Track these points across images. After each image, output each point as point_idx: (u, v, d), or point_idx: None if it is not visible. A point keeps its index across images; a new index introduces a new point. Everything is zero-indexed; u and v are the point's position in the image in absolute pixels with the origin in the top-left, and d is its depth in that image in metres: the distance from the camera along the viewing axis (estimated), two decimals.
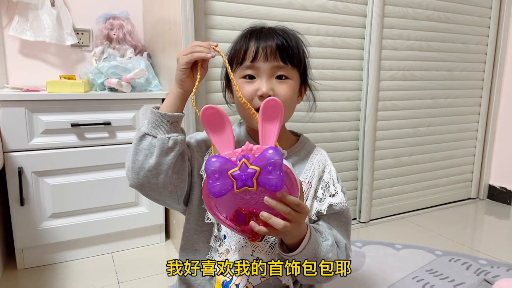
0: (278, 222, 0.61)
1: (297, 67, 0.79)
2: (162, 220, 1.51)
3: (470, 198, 2.17)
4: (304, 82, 0.84)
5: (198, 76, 0.72)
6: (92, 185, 1.36)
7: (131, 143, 0.74)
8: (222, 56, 0.72)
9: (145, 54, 1.59)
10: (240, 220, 0.64)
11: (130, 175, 0.74)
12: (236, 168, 0.58)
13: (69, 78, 1.36)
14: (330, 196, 0.79)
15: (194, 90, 0.73)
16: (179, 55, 0.72)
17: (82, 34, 1.61)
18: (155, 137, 0.71)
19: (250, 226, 0.62)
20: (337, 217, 0.81)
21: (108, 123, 1.34)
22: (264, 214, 0.61)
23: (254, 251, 0.77)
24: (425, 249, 1.53)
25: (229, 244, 0.78)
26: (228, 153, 0.62)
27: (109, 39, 1.57)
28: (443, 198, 2.06)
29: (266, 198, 0.60)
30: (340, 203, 0.79)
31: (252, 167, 0.57)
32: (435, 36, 1.83)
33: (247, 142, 0.61)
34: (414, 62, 1.80)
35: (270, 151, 0.57)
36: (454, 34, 1.89)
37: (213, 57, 0.71)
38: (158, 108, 0.74)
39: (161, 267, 1.35)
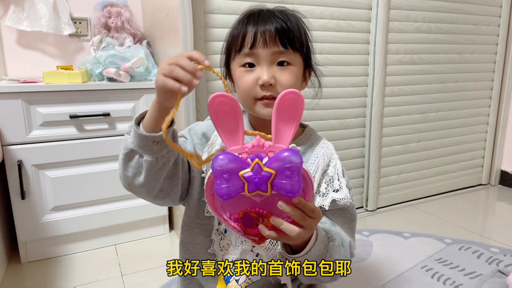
0: (292, 229, 0.55)
1: (299, 51, 0.74)
2: (165, 211, 1.49)
3: (481, 184, 2.12)
4: (308, 67, 0.80)
5: (173, 111, 0.57)
6: (93, 177, 1.34)
7: (121, 148, 0.67)
8: (215, 72, 0.61)
9: (144, 42, 1.55)
10: (248, 223, 0.57)
11: (122, 183, 0.70)
12: (249, 169, 0.51)
13: (66, 69, 1.33)
14: (334, 191, 0.75)
15: (167, 120, 0.56)
16: (161, 69, 0.58)
17: (80, 23, 1.57)
18: (142, 156, 0.63)
19: (257, 229, 0.56)
20: (341, 213, 0.77)
21: (107, 114, 1.31)
22: (275, 220, 0.55)
23: (254, 246, 0.74)
24: (434, 237, 1.49)
25: (229, 239, 0.75)
26: (236, 149, 0.55)
27: (107, 27, 1.53)
28: (453, 184, 2.02)
29: (280, 203, 0.54)
30: (344, 198, 0.74)
31: (267, 170, 0.50)
32: (444, 17, 1.76)
33: (258, 137, 0.54)
34: (422, 45, 1.74)
35: (288, 154, 0.50)
36: (464, 15, 1.82)
37: (192, 88, 0.57)
38: (141, 118, 0.65)
39: (165, 259, 1.34)
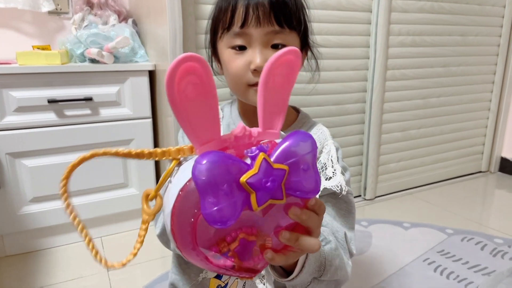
0: (313, 242, 0.41)
1: (296, 30, 0.65)
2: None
3: (480, 172, 2.07)
4: (304, 46, 0.71)
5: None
6: None
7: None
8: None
9: (130, 21, 1.44)
10: (244, 254, 0.39)
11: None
12: (254, 171, 0.34)
13: (43, 49, 1.22)
14: (326, 179, 0.66)
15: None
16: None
17: None
18: None
19: (255, 259, 0.39)
20: (336, 203, 0.67)
21: (90, 99, 1.21)
22: (287, 236, 0.40)
23: None
24: (435, 228, 1.44)
25: None
26: (213, 144, 0.36)
27: (89, 4, 1.41)
28: (452, 172, 1.96)
29: (294, 210, 0.39)
30: (337, 186, 0.65)
31: (279, 167, 0.35)
32: None
33: (239, 123, 0.38)
34: (425, 26, 1.65)
35: (300, 138, 0.37)
36: None
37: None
38: None
39: (154, 252, 1.27)
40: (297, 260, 0.51)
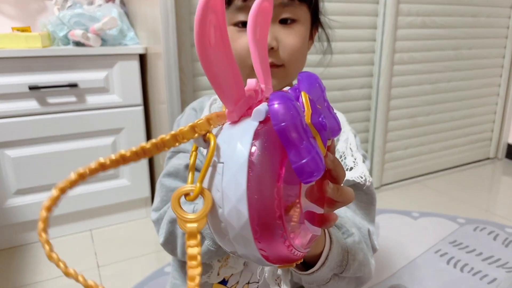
0: (350, 190, 0.37)
1: (306, 3, 0.57)
2: (147, 193, 1.34)
3: (488, 158, 2.01)
4: (315, 21, 0.62)
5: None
6: (61, 157, 1.17)
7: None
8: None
9: (117, 0, 1.34)
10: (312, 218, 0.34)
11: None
12: (309, 110, 0.29)
13: (23, 31, 1.13)
14: (347, 170, 0.59)
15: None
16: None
17: None
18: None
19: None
20: (356, 195, 0.57)
21: (75, 85, 1.13)
22: (331, 186, 0.34)
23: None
24: (445, 217, 1.38)
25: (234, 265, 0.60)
26: (243, 103, 0.30)
27: None
28: (460, 159, 1.89)
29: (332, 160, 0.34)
30: (361, 177, 0.58)
31: (318, 105, 0.32)
32: None
33: (250, 80, 0.32)
34: (436, 5, 1.55)
35: (309, 75, 0.33)
36: None
37: None
38: None
39: (147, 246, 1.20)
40: (319, 253, 0.46)
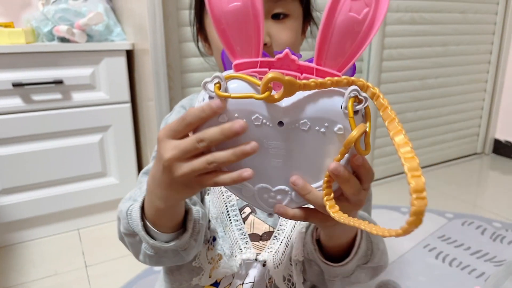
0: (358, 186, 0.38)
1: None
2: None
3: (476, 153, 2.04)
4: (307, 16, 0.62)
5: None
6: (47, 155, 1.15)
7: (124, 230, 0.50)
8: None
9: None
10: None
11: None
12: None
13: (5, 26, 1.10)
14: None
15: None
16: (163, 145, 0.37)
17: None
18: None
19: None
20: None
21: (60, 82, 1.10)
22: (341, 168, 0.36)
23: (258, 254, 0.57)
24: (434, 212, 1.39)
25: (221, 248, 0.58)
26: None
27: None
28: (449, 154, 1.92)
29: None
30: None
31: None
32: None
33: (286, 49, 0.36)
34: (424, 2, 1.56)
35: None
36: None
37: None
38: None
39: None
40: (345, 245, 0.49)
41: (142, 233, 0.46)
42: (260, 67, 0.36)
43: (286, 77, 0.33)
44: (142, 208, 0.46)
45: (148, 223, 0.46)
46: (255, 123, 0.35)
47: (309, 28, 0.65)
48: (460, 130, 1.92)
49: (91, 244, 1.22)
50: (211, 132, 0.34)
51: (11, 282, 1.04)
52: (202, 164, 0.35)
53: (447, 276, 1.05)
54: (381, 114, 0.34)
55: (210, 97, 0.35)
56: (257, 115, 0.35)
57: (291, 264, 0.57)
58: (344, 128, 0.35)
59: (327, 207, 0.36)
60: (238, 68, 0.36)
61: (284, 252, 0.57)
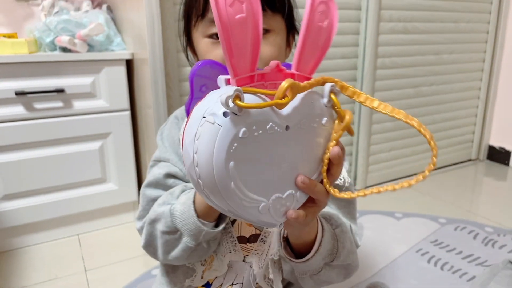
0: (324, 190, 0.42)
1: (280, 12, 0.58)
2: (134, 197, 1.35)
3: (470, 160, 2.06)
4: (291, 29, 0.64)
5: None
6: (48, 162, 1.18)
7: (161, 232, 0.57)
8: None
9: (104, 6, 1.35)
10: None
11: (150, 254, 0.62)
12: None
13: (9, 37, 1.14)
14: None
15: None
16: None
17: None
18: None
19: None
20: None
21: (61, 90, 1.14)
22: (306, 181, 0.41)
23: (246, 256, 0.61)
24: (427, 217, 1.42)
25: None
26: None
27: None
28: (443, 160, 1.94)
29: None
30: (341, 179, 0.62)
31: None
32: None
33: (272, 61, 0.40)
34: (417, 12, 1.59)
35: None
36: None
37: None
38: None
39: (134, 250, 1.21)
40: (312, 241, 0.53)
41: (197, 223, 0.52)
42: (257, 79, 0.39)
43: (297, 83, 0.37)
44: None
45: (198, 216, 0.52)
46: (269, 132, 0.36)
47: (294, 41, 0.68)
48: (455, 136, 1.95)
49: (91, 249, 1.24)
50: None
51: (12, 286, 1.06)
52: None
53: (439, 280, 1.07)
54: (355, 99, 0.40)
55: (226, 113, 0.34)
56: (271, 123, 0.36)
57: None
58: (328, 119, 0.41)
59: (332, 191, 0.41)
60: (239, 82, 0.38)
61: (267, 253, 0.60)
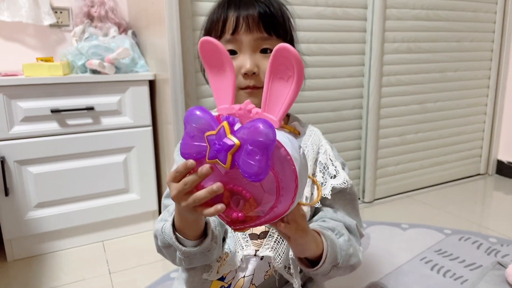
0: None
1: (282, 38, 0.70)
2: (155, 207, 1.45)
3: (479, 174, 2.09)
4: None
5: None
6: (77, 173, 1.29)
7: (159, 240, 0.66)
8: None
9: (129, 32, 1.48)
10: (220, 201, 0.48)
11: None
12: (213, 132, 0.44)
13: (46, 61, 1.27)
14: (331, 177, 0.73)
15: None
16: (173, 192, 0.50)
17: (61, 12, 1.50)
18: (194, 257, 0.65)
19: (237, 213, 0.46)
20: (341, 196, 0.75)
21: (91, 108, 1.25)
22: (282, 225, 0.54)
23: (257, 250, 0.70)
24: (433, 228, 1.46)
25: (228, 247, 0.71)
26: (223, 108, 0.50)
27: (90, 17, 1.46)
28: (451, 174, 1.98)
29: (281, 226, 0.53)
30: (344, 182, 0.73)
31: (231, 138, 0.42)
32: (443, 4, 1.70)
33: (248, 100, 0.48)
34: (421, 33, 1.68)
35: (262, 125, 0.41)
36: (462, 1, 1.76)
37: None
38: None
39: (154, 256, 1.29)
40: (320, 254, 0.63)
41: (175, 243, 0.61)
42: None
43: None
44: (173, 224, 0.61)
45: (178, 234, 0.61)
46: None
47: None
48: (462, 151, 1.98)
49: (114, 254, 1.33)
50: (190, 177, 0.47)
51: (45, 286, 1.15)
52: (191, 200, 0.48)
53: (440, 286, 1.11)
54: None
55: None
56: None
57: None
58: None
59: (301, 207, 0.57)
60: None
61: (284, 248, 0.70)
